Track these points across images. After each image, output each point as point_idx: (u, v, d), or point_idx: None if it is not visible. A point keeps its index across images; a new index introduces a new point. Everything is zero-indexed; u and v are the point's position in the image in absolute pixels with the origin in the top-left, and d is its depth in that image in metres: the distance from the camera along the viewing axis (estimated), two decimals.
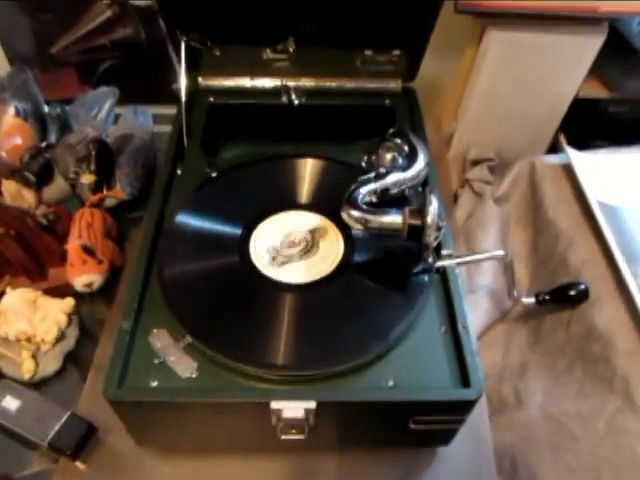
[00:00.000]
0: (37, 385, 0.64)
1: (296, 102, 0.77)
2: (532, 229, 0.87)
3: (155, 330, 0.52)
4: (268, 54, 0.78)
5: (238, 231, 0.61)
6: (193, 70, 0.77)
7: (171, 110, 0.77)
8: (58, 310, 0.67)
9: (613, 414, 0.61)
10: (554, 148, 1.00)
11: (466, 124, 1.00)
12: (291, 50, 0.77)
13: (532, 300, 0.72)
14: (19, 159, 0.81)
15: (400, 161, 0.64)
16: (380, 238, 0.59)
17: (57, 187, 0.83)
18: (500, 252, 0.63)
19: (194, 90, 0.78)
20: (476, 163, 1.00)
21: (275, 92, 0.78)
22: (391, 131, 0.68)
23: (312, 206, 0.64)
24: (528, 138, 1.01)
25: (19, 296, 0.67)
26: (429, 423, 0.50)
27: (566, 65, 0.89)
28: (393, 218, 0.54)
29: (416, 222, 0.52)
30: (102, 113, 0.95)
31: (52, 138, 0.87)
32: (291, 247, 0.59)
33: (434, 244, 0.53)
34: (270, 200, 0.65)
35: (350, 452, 0.57)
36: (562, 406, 0.66)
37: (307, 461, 0.57)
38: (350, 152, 0.70)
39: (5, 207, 0.71)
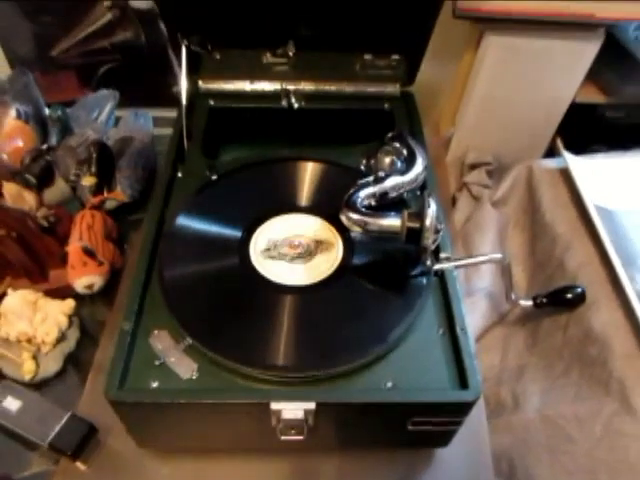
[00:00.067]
0: (37, 386, 0.64)
1: (296, 106, 0.78)
2: (530, 233, 0.88)
3: (156, 331, 0.52)
4: (268, 58, 0.79)
5: (238, 233, 0.61)
6: (194, 73, 0.78)
7: (171, 113, 0.77)
8: (59, 311, 0.67)
9: (610, 416, 0.62)
10: (551, 152, 1.01)
11: (464, 128, 1.00)
12: (291, 54, 0.78)
13: (530, 303, 0.72)
14: (20, 161, 0.81)
15: (399, 165, 0.65)
16: (379, 241, 0.59)
17: (58, 189, 0.83)
18: (498, 255, 0.63)
19: (194, 93, 0.79)
20: (474, 167, 1.00)
21: (275, 96, 0.79)
22: (390, 135, 0.69)
23: (312, 209, 0.65)
24: (526, 142, 1.01)
25: (20, 297, 0.67)
26: (427, 424, 0.51)
27: (563, 70, 0.90)
28: (392, 221, 0.54)
29: (415, 225, 0.52)
30: (103, 116, 0.96)
31: (53, 140, 0.88)
32: (290, 248, 0.60)
33: (432, 247, 0.54)
34: (270, 203, 0.65)
35: (349, 453, 0.58)
36: (559, 409, 0.66)
37: (306, 462, 0.57)
38: (349, 155, 0.70)
39: (6, 209, 0.72)
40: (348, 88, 0.80)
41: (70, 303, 0.69)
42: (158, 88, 1.01)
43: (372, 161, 0.67)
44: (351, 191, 0.58)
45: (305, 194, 0.67)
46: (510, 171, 0.94)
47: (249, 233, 0.61)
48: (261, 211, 0.64)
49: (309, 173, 0.69)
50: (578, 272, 0.75)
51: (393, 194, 0.61)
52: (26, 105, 0.88)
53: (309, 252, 0.60)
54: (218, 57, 0.78)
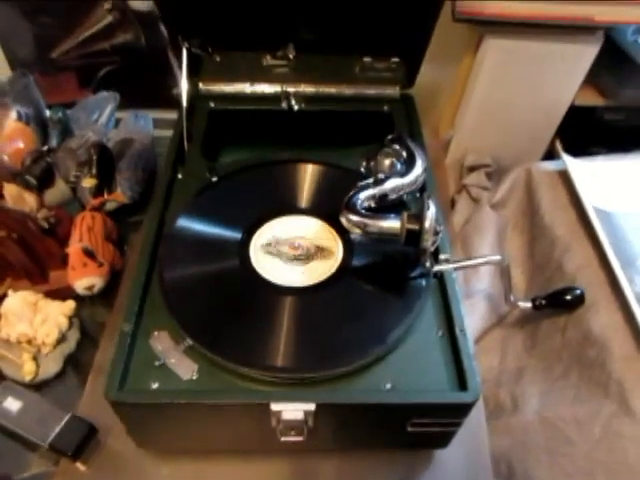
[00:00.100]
0: (38, 387, 0.64)
1: (296, 108, 0.78)
2: (529, 235, 0.88)
3: (156, 333, 0.52)
4: (268, 60, 0.79)
5: (238, 235, 0.61)
6: (194, 76, 0.78)
7: (171, 115, 0.78)
8: (59, 313, 0.67)
9: (609, 418, 0.62)
10: (550, 155, 1.01)
11: (463, 131, 1.01)
12: (291, 57, 0.78)
13: (529, 305, 0.72)
14: (21, 163, 0.81)
15: (398, 167, 0.65)
16: (379, 243, 0.59)
17: (58, 191, 0.83)
18: (497, 257, 0.64)
19: (195, 95, 0.79)
20: (473, 169, 1.00)
21: (275, 98, 0.79)
22: (390, 137, 0.69)
23: (312, 211, 0.65)
24: (525, 145, 1.02)
25: (20, 299, 0.67)
26: (427, 426, 0.51)
27: (562, 73, 0.90)
28: (391, 223, 0.54)
29: (414, 227, 0.53)
30: (103, 117, 0.96)
31: (53, 142, 0.88)
32: (290, 248, 0.60)
33: (432, 249, 0.54)
34: (270, 205, 0.65)
35: (348, 454, 0.58)
36: (558, 410, 0.66)
37: (306, 463, 0.57)
38: (349, 158, 0.70)
39: (7, 210, 0.72)
40: (348, 90, 0.80)
41: (70, 304, 0.69)
42: (158, 90, 1.01)
43: (372, 163, 0.67)
44: (351, 193, 0.59)
45: (305, 196, 0.67)
46: (509, 173, 0.94)
47: (249, 235, 0.62)
48: (261, 213, 0.64)
49: (309, 175, 0.69)
50: (577, 274, 0.75)
51: (393, 196, 0.61)
52: (26, 107, 0.89)
53: (308, 256, 0.60)
54: (218, 59, 0.78)
